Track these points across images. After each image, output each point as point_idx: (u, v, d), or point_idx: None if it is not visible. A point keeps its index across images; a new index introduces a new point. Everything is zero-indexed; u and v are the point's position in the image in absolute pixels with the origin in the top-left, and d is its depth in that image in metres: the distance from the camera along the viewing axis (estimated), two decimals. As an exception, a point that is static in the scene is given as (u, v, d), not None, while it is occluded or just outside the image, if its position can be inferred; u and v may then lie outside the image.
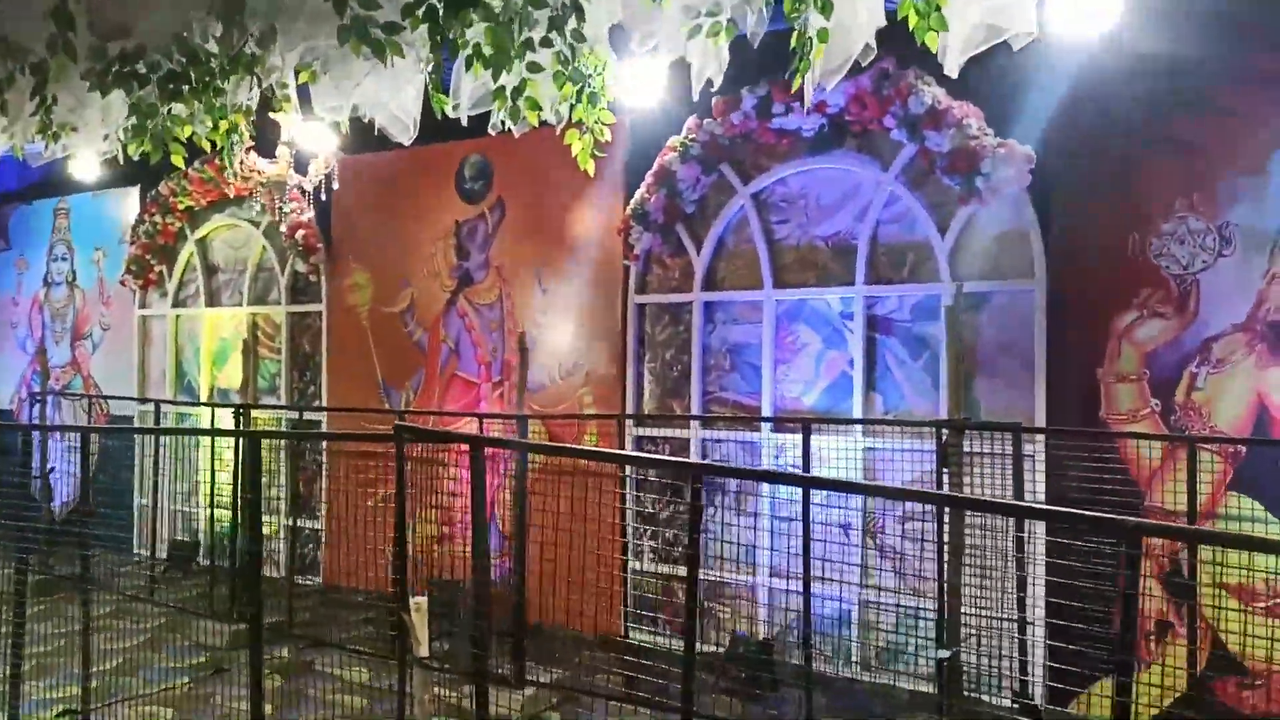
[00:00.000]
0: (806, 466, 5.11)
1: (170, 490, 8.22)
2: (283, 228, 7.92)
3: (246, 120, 3.99)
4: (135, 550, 8.96)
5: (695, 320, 6.27)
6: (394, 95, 4.05)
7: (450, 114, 3.93)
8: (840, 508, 5.52)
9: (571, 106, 3.54)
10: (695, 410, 6.24)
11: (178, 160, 4.05)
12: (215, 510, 7.44)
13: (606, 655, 5.87)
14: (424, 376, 7.47)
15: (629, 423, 6.42)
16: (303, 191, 5.53)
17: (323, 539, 7.86)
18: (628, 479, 6.20)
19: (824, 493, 5.42)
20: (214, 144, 4.04)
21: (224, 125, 3.80)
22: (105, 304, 9.76)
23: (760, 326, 6.09)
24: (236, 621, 6.47)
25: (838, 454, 5.58)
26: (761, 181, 6.08)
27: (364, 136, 4.88)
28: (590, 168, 3.66)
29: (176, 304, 9.07)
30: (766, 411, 5.99)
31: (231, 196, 8.55)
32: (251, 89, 3.98)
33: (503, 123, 3.73)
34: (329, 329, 7.97)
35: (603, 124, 3.55)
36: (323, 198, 5.67)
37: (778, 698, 5.32)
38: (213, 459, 7.03)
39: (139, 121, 3.63)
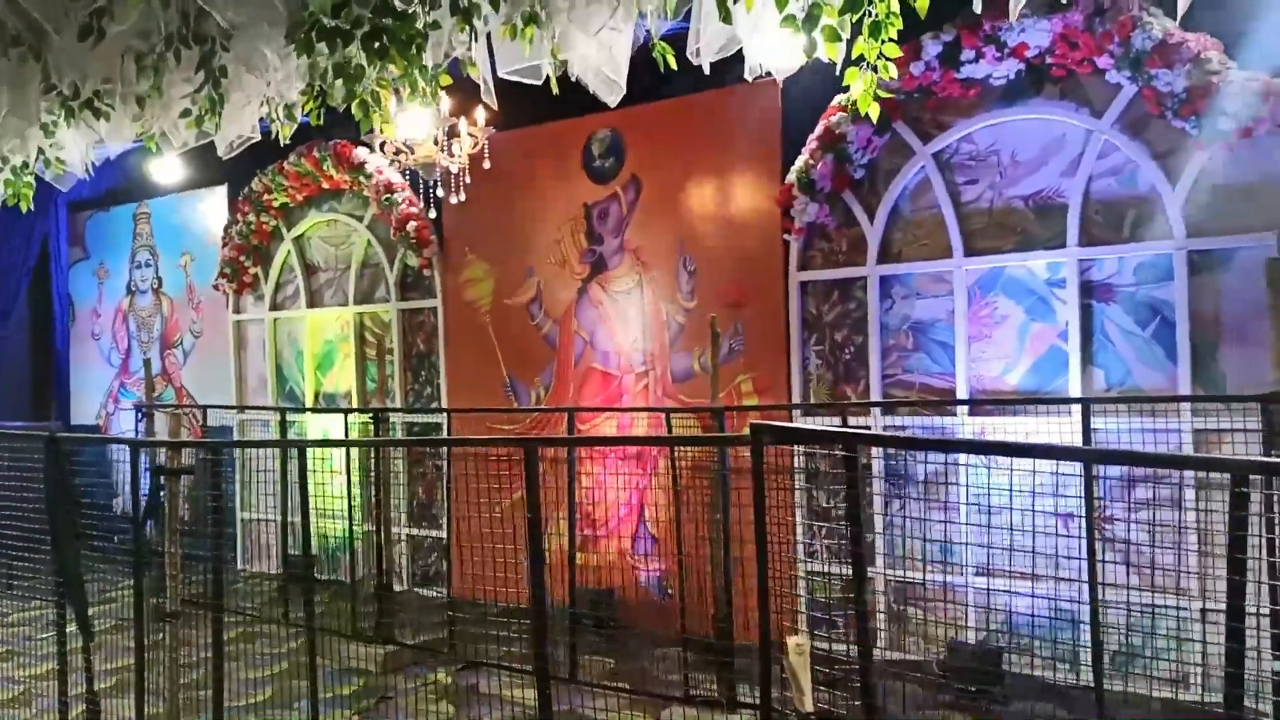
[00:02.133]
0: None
1: (280, 503, 7.81)
2: (392, 219, 7.44)
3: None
4: (240, 566, 8.58)
5: (871, 296, 5.70)
6: (602, 49, 3.53)
7: (692, 61, 3.39)
8: (1058, 495, 4.94)
9: (850, 41, 2.98)
10: (875, 394, 5.68)
11: (388, 130, 3.55)
12: (345, 522, 6.99)
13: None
14: (556, 371, 6.96)
15: (797, 411, 5.88)
16: (450, 174, 5.02)
17: (450, 549, 7.39)
18: (797, 471, 5.68)
19: (1044, 477, 4.84)
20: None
21: (427, 89, 3.28)
22: (195, 310, 9.36)
23: (948, 300, 5.51)
24: (381, 642, 6.03)
25: (1051, 436, 5.01)
26: (945, 139, 5.49)
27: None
28: (874, 111, 3.10)
29: (274, 306, 8.63)
30: (962, 393, 5.41)
31: (327, 189, 8.10)
32: (445, 48, 3.47)
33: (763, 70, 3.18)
34: (445, 325, 7.48)
35: (887, 59, 2.98)
36: (466, 181, 5.16)
37: (1010, 712, 4.78)
38: (354, 467, 6.55)
39: (347, 84, 3.12)
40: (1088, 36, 4.86)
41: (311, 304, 8.39)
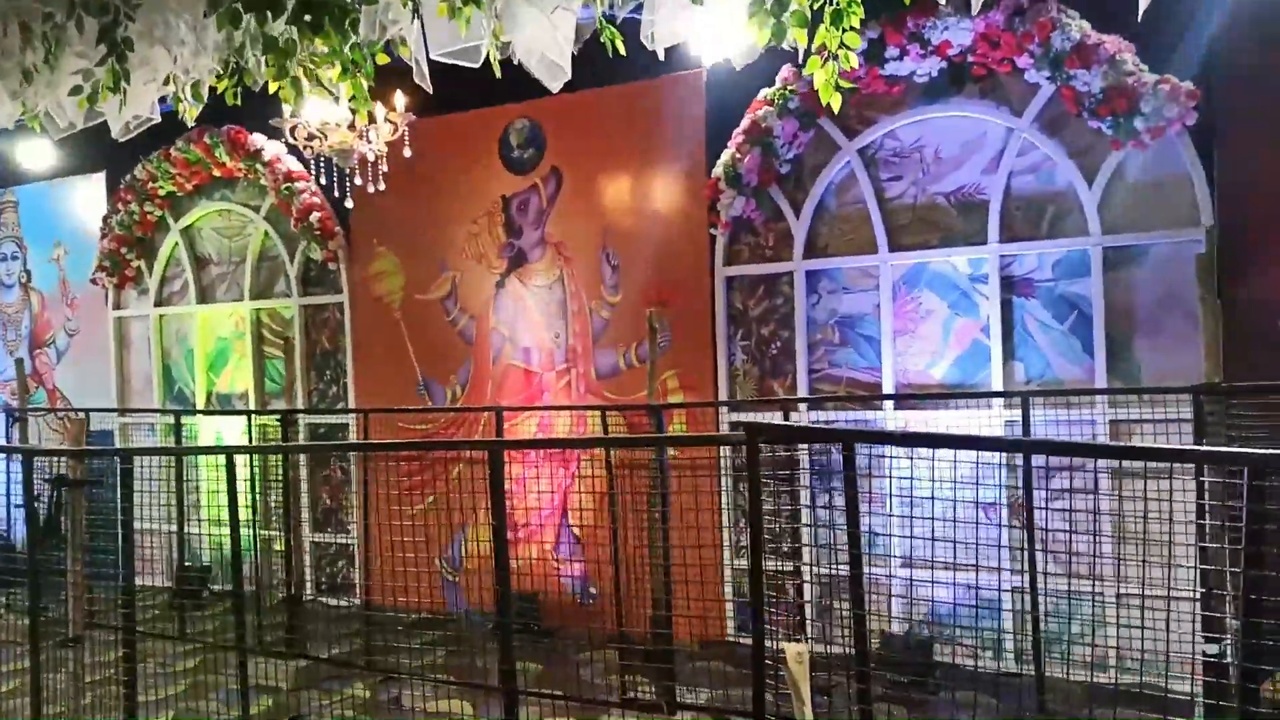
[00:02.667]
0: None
1: (169, 512, 7.31)
2: (293, 210, 7.04)
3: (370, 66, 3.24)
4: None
5: (798, 291, 5.70)
6: (547, 32, 3.36)
7: (644, 48, 3.26)
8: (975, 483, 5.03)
9: (812, 29, 2.91)
10: (802, 389, 5.69)
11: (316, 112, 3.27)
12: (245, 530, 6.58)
13: (727, 666, 5.31)
14: (473, 368, 6.72)
15: (724, 408, 5.83)
16: (368, 161, 4.73)
17: (356, 556, 7.06)
18: (723, 465, 5.66)
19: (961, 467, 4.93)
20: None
21: (364, 68, 3.04)
22: (69, 306, 8.67)
23: (874, 294, 5.55)
24: (289, 656, 5.68)
25: (978, 429, 5.11)
26: (869, 135, 5.52)
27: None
28: (835, 102, 3.03)
29: (160, 302, 8.07)
30: (888, 387, 5.47)
31: (219, 177, 7.62)
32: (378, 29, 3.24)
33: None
34: (352, 321, 7.13)
35: (848, 49, 2.92)
36: (384, 169, 4.88)
37: (941, 701, 4.84)
38: (257, 472, 6.15)
39: (276, 60, 2.85)
40: (1009, 36, 4.96)
41: (203, 299, 7.88)
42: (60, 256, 8.70)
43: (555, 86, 3.59)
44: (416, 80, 3.56)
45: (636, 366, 6.16)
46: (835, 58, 2.96)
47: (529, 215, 6.49)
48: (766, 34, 2.94)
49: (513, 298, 6.55)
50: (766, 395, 5.81)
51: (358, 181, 4.80)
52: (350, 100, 3.15)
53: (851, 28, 2.94)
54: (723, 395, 5.88)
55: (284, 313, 7.50)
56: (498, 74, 3.39)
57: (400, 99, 4.83)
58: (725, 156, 5.67)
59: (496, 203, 6.58)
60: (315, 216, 6.96)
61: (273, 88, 3.56)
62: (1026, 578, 4.67)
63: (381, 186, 4.86)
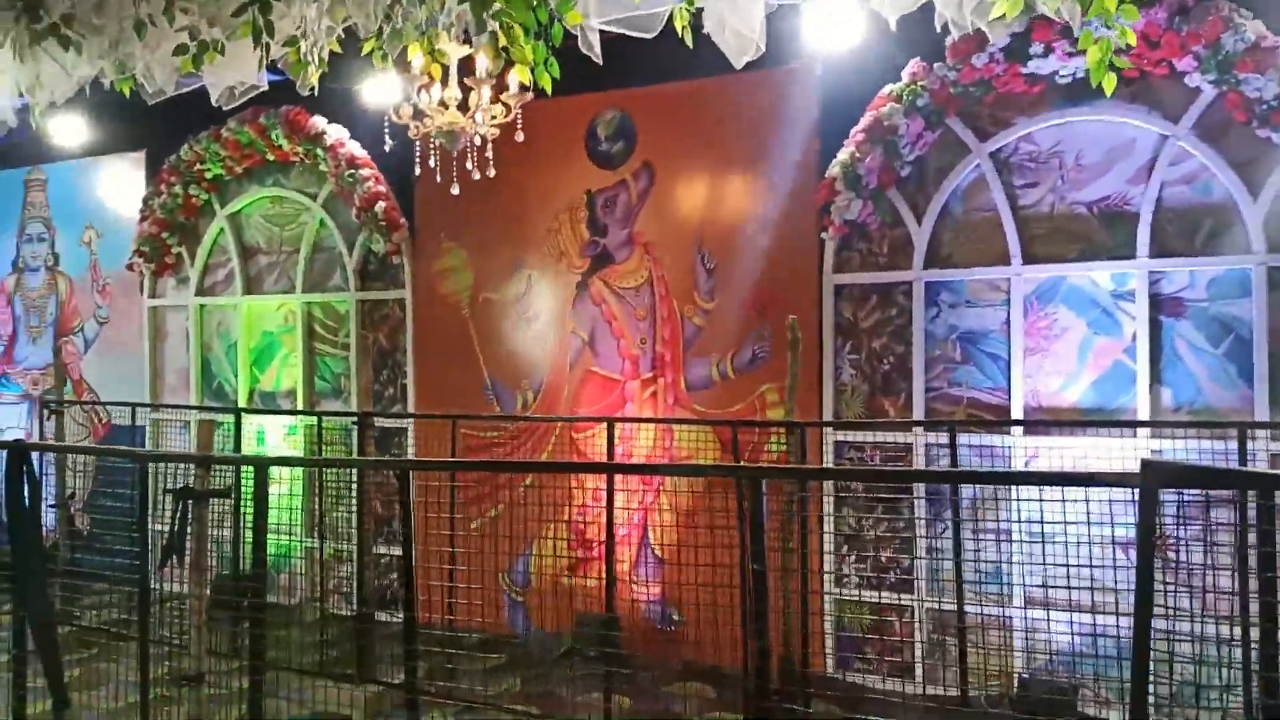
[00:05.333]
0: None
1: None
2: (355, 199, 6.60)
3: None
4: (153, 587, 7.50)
5: (916, 303, 5.30)
6: (742, 2, 2.95)
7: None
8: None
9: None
10: (918, 409, 5.28)
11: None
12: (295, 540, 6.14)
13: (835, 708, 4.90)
14: (547, 374, 6.28)
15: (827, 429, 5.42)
16: (482, 142, 4.31)
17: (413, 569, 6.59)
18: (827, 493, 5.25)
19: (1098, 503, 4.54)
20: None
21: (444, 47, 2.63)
22: (100, 293, 8.18)
23: (1001, 309, 5.16)
24: (357, 681, 5.24)
25: (1113, 459, 4.72)
26: (1003, 138, 5.13)
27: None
28: (1109, 84, 2.63)
29: (201, 291, 7.60)
30: (1016, 410, 5.07)
31: (273, 161, 7.16)
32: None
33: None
34: (415, 319, 6.69)
35: (1125, 23, 2.52)
36: (489, 155, 4.46)
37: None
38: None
39: (476, 12, 2.43)
40: (1171, 35, 4.58)
41: (248, 290, 7.41)
42: (91, 240, 8.22)
43: (740, 63, 3.19)
44: (583, 50, 3.14)
45: (731, 378, 5.74)
46: (1108, 28, 2.56)
47: (616, 212, 6.07)
48: (1018, 4, 2.54)
49: (595, 300, 6.13)
50: (876, 414, 5.41)
51: (468, 167, 4.36)
52: (530, 69, 2.73)
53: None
54: (827, 413, 5.47)
55: (338, 307, 7.04)
56: (689, 44, 2.97)
57: (514, 78, 4.41)
58: (843, 155, 5.28)
59: (580, 198, 6.16)
60: (380, 207, 6.51)
61: (413, 52, 3.17)
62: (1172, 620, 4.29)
63: (491, 173, 4.42)
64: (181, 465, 4.96)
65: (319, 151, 6.74)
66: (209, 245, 7.55)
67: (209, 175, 7.31)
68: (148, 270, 7.67)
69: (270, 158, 7.10)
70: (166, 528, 3.02)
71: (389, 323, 6.85)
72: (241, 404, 7.31)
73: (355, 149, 6.67)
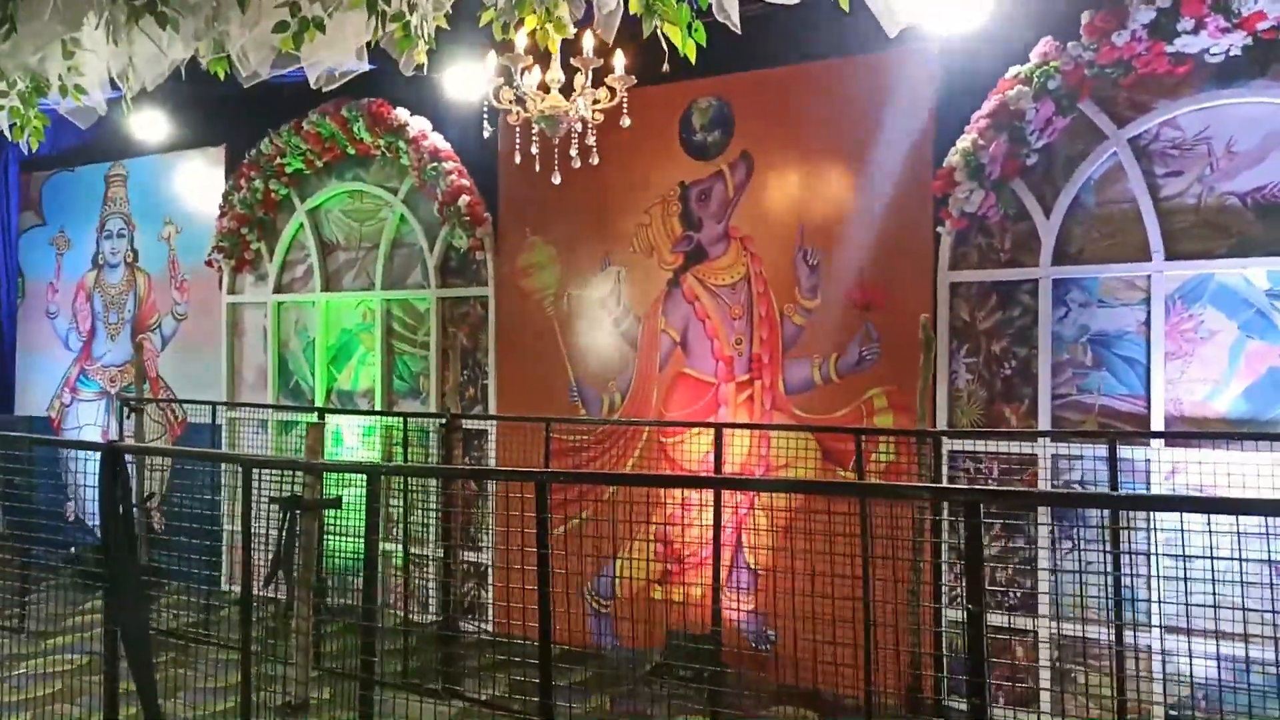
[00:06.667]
0: None
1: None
2: (438, 193, 6.39)
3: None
4: (225, 586, 7.40)
5: (1043, 302, 4.90)
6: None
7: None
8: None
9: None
10: (1044, 417, 4.88)
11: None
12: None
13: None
14: (636, 375, 6.00)
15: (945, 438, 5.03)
16: (583, 128, 4.05)
17: (490, 577, 6.36)
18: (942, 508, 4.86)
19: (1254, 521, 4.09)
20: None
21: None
22: (179, 289, 8.12)
23: (1139, 309, 4.73)
24: (442, 696, 5.01)
25: (1266, 475, 4.27)
26: (1143, 123, 4.71)
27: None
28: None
29: (279, 289, 7.48)
30: (1156, 419, 4.64)
31: (353, 155, 6.99)
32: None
33: None
34: (497, 317, 6.45)
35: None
36: (590, 142, 4.19)
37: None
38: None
39: None
40: (1344, 6, 4.13)
41: (327, 287, 7.26)
42: (170, 235, 8.16)
43: (893, 32, 2.86)
44: (719, 19, 2.84)
45: (835, 381, 5.39)
46: None
47: (711, 205, 5.76)
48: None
49: (688, 298, 5.82)
50: (996, 421, 5.02)
51: (573, 154, 4.09)
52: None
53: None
54: (941, 419, 5.09)
55: (418, 305, 6.85)
56: (846, 7, 2.64)
57: (620, 60, 4.13)
58: (964, 143, 4.90)
59: (673, 190, 5.86)
60: (464, 200, 6.30)
61: (530, 23, 2.91)
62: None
63: (595, 160, 4.15)
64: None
65: (401, 144, 6.55)
66: (288, 241, 7.42)
67: (289, 170, 7.18)
68: (226, 266, 7.58)
69: (351, 151, 6.94)
70: (264, 537, 2.78)
71: (470, 321, 6.63)
72: (318, 403, 7.16)
73: (438, 141, 6.47)
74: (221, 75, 3.53)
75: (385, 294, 6.94)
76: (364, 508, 3.26)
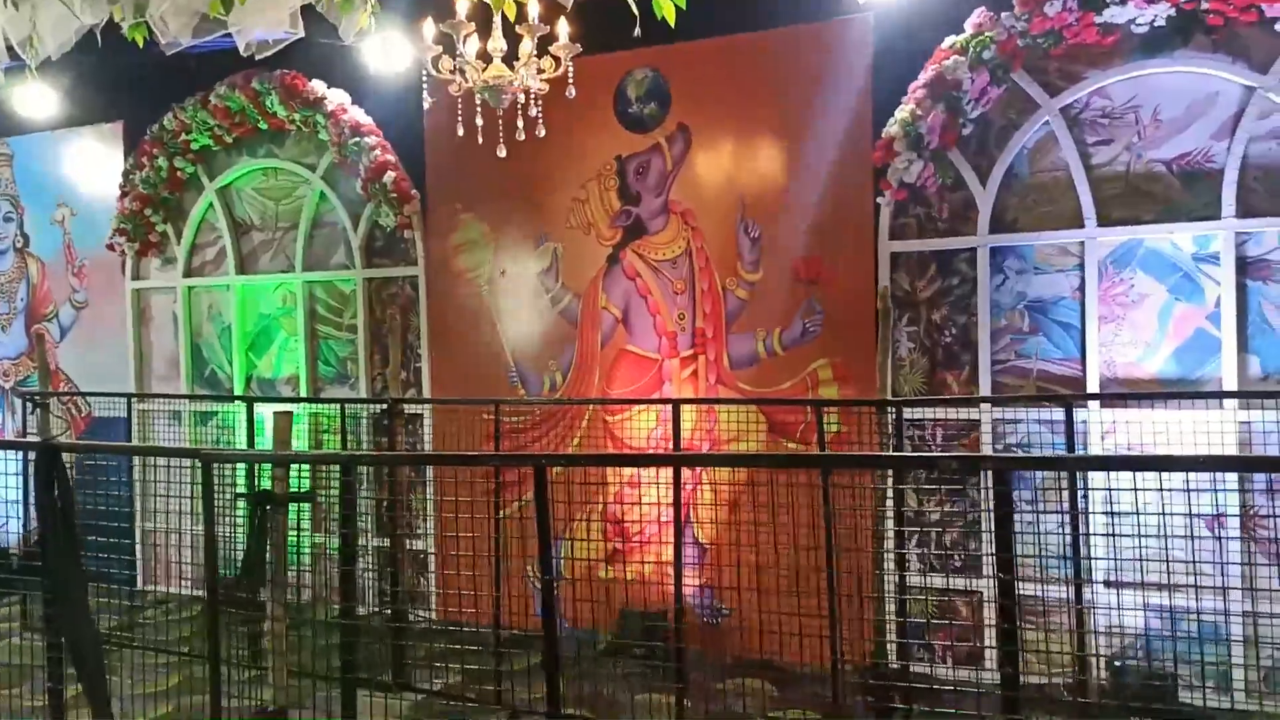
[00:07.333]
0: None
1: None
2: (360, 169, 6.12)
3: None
4: (141, 586, 7.04)
5: (981, 270, 4.99)
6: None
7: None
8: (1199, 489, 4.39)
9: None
10: (984, 383, 4.99)
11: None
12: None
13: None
14: (576, 354, 5.89)
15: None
16: (526, 100, 3.89)
17: (430, 564, 6.21)
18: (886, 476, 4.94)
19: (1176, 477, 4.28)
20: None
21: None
22: (76, 275, 7.61)
23: (1073, 275, 4.87)
24: (390, 689, 4.85)
25: (1198, 432, 4.47)
26: (1073, 93, 4.81)
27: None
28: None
29: (189, 273, 7.08)
30: (1091, 381, 4.79)
31: (266, 130, 6.65)
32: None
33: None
34: (428, 298, 6.25)
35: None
36: (535, 113, 4.04)
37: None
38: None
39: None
40: (1264, -21, 4.28)
41: (242, 270, 6.91)
42: (65, 218, 7.62)
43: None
44: None
45: (780, 354, 5.40)
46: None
47: (649, 179, 5.67)
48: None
49: (628, 274, 5.74)
50: (938, 389, 5.11)
51: (520, 126, 3.94)
52: None
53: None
54: (884, 389, 5.15)
55: (343, 287, 6.58)
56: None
57: (564, 27, 3.99)
58: (903, 113, 4.93)
59: (610, 164, 5.75)
60: (389, 177, 6.05)
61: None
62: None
63: (541, 132, 4.01)
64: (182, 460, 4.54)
65: (319, 118, 6.25)
66: (196, 222, 7.02)
67: (195, 146, 6.77)
68: (130, 250, 7.13)
69: (264, 126, 6.59)
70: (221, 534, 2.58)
71: (399, 302, 6.40)
72: (238, 391, 6.83)
73: (359, 115, 6.20)
74: (140, 42, 3.25)
75: (307, 275, 6.64)
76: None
